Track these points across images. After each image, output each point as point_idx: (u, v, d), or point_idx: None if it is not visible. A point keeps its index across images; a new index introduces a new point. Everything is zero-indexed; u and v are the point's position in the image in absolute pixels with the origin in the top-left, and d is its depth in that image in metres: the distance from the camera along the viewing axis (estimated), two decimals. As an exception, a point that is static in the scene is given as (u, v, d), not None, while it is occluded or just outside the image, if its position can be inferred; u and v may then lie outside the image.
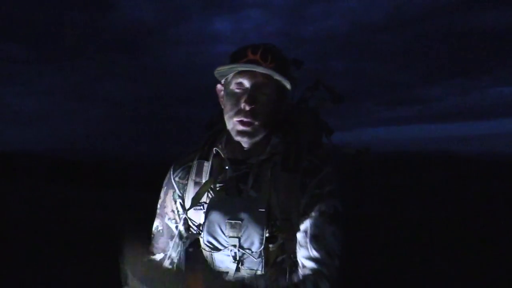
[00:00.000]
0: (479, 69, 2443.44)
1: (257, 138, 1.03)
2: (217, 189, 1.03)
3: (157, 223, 1.18)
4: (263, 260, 0.98)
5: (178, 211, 1.13)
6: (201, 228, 1.02)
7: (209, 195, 1.04)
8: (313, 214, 0.99)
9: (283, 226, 0.99)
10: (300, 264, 0.99)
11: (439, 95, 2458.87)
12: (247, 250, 0.97)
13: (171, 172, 1.15)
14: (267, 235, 0.97)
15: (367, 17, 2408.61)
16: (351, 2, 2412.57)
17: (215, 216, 0.99)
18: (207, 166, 1.08)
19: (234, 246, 0.97)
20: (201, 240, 1.03)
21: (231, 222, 0.97)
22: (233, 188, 1.02)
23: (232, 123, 1.02)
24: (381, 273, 4.19)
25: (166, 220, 1.15)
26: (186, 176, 1.11)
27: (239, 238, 0.97)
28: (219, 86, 1.10)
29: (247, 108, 0.98)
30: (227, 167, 1.04)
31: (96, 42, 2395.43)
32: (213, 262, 1.02)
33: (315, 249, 0.96)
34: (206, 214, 1.00)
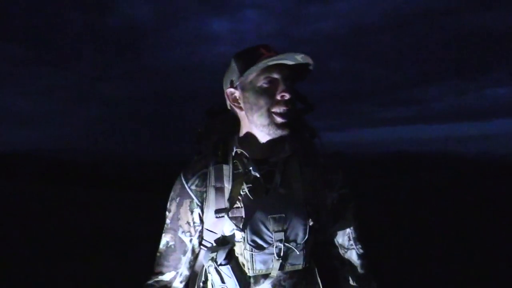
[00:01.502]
0: (476, 70, 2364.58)
1: (290, 131, 1.03)
2: (245, 190, 1.02)
3: (167, 239, 1.10)
4: (304, 253, 1.01)
5: (194, 223, 1.08)
6: (243, 228, 1.00)
7: (239, 197, 1.02)
8: (347, 216, 1.12)
9: (316, 218, 1.03)
10: (349, 262, 1.13)
11: (436, 96, 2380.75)
12: (292, 243, 0.99)
13: (184, 182, 1.09)
14: (310, 223, 1.00)
15: (365, 18, 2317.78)
16: (349, 3, 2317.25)
17: (258, 214, 0.99)
18: (227, 169, 1.05)
19: (280, 241, 0.98)
20: (239, 245, 1.01)
21: (275, 217, 0.98)
22: (261, 188, 1.02)
23: (270, 118, 1.01)
24: (379, 273, 4.20)
25: (179, 233, 1.09)
26: (203, 183, 1.06)
27: (285, 231, 0.98)
28: (230, 90, 1.07)
29: (287, 97, 0.99)
30: (251, 168, 1.02)
31: (94, 42, 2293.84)
32: (253, 265, 0.99)
33: (360, 247, 1.14)
34: (247, 214, 0.99)
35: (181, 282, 1.11)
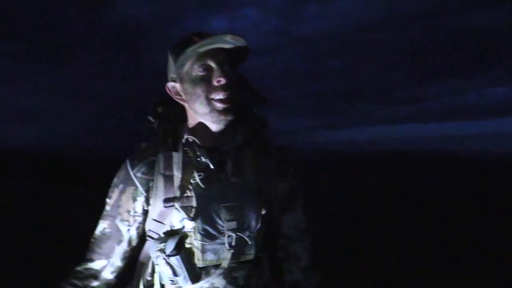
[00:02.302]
0: (475, 69, 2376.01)
1: (234, 116, 1.02)
2: (196, 178, 0.99)
3: (104, 225, 1.06)
4: (256, 244, 0.99)
5: (135, 212, 1.05)
6: (194, 217, 0.97)
7: (189, 186, 1.00)
8: (296, 207, 1.13)
9: (268, 207, 1.02)
10: (294, 254, 1.12)
11: (435, 95, 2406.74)
12: (244, 232, 0.96)
13: (129, 168, 1.05)
14: (263, 212, 0.98)
15: (363, 17, 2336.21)
16: (348, 2, 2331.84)
17: (209, 203, 0.96)
18: (176, 157, 1.02)
19: (232, 230, 0.95)
20: (189, 235, 0.98)
21: (227, 206, 0.96)
22: (213, 176, 1.00)
23: (210, 105, 0.99)
24: (377, 272, 4.22)
25: (117, 221, 1.05)
26: (150, 170, 1.03)
27: (237, 220, 0.96)
28: (170, 84, 1.06)
29: (223, 81, 0.97)
30: (202, 156, 1.01)
31: (93, 40, 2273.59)
32: (204, 256, 0.96)
33: (306, 240, 1.13)
34: (199, 203, 0.97)
35: (111, 272, 1.06)
